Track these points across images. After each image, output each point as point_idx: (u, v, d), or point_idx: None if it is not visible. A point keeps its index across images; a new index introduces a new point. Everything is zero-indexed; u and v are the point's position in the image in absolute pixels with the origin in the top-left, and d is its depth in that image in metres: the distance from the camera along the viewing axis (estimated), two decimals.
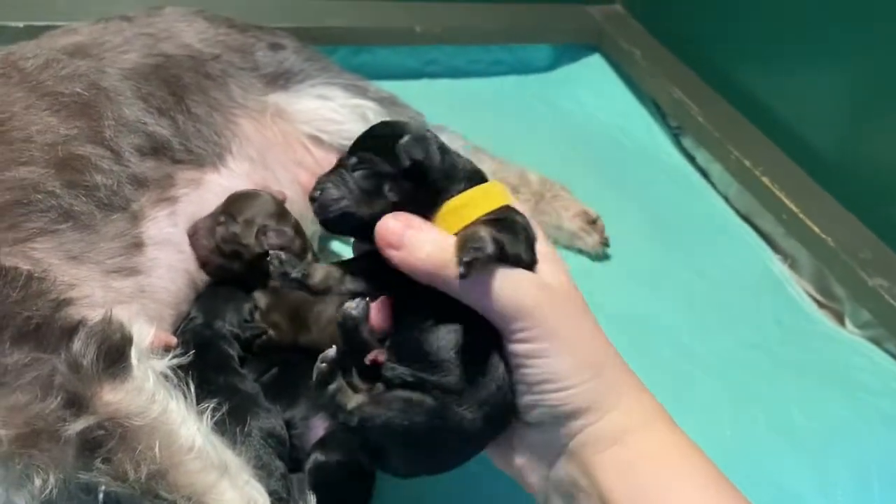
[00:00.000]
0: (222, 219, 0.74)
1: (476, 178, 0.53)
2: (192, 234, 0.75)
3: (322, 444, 0.66)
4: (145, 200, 0.72)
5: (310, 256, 0.77)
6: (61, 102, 0.71)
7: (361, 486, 0.67)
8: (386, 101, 0.95)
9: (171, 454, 0.54)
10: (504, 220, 0.50)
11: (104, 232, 0.68)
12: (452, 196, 0.51)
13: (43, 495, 0.51)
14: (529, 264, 0.51)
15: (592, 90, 1.40)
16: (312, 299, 0.72)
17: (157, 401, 0.55)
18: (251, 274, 0.75)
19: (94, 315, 0.59)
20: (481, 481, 0.65)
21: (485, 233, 0.48)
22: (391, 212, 0.50)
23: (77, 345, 0.54)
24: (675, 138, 1.30)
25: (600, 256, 1.02)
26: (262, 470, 0.63)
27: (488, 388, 0.50)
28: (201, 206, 0.76)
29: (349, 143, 0.87)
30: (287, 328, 0.74)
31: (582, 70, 1.45)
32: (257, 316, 0.74)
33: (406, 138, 0.50)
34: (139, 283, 0.69)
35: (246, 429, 0.64)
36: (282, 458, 0.65)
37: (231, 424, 0.63)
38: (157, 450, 0.53)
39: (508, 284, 0.48)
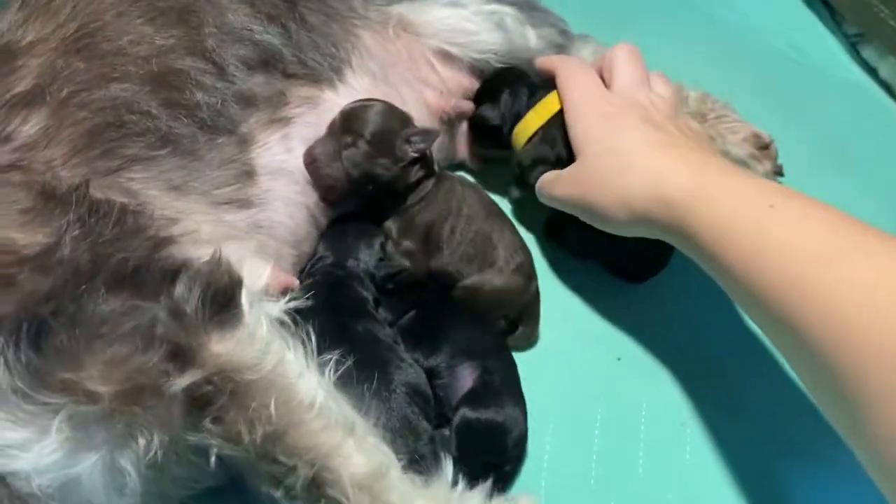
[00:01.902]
0: (348, 139, 0.66)
1: None
2: (311, 163, 0.66)
3: (471, 397, 0.60)
4: (254, 122, 0.64)
5: (437, 168, 0.72)
6: (157, 8, 0.64)
7: (513, 448, 0.61)
8: (525, 6, 0.83)
9: (289, 412, 0.48)
10: None
11: (209, 158, 0.61)
12: None
13: (148, 457, 0.47)
14: None
15: None
16: (441, 210, 0.69)
17: (271, 351, 0.50)
18: (384, 198, 0.69)
19: (200, 254, 0.53)
20: None
21: None
22: None
23: (180, 289, 0.49)
24: (853, 48, 1.12)
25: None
26: (408, 431, 0.57)
27: None
28: (318, 130, 0.68)
29: (482, 57, 0.78)
30: (420, 254, 0.68)
31: None
32: (390, 247, 0.68)
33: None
34: (254, 216, 0.62)
35: (390, 384, 0.59)
36: (427, 418, 0.59)
37: (371, 378, 0.57)
38: (272, 408, 0.47)
39: None
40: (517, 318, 0.70)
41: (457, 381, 0.61)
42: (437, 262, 0.69)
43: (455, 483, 0.53)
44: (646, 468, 0.64)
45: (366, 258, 0.67)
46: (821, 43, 1.13)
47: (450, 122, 0.81)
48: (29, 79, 0.58)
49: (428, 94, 0.78)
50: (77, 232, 0.50)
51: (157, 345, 0.47)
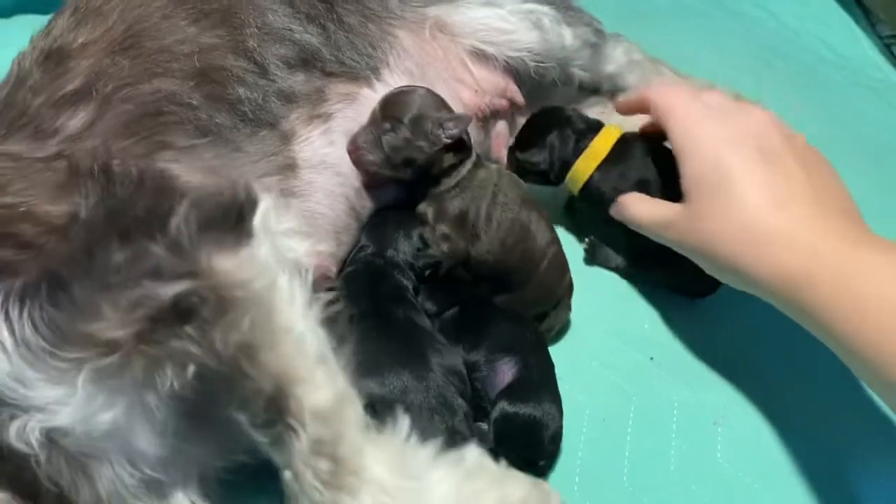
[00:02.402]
0: (387, 125, 0.68)
1: None
2: (354, 151, 0.69)
3: (510, 392, 0.62)
4: (296, 118, 0.66)
5: (473, 155, 0.73)
6: (201, 10, 0.66)
7: (549, 444, 0.62)
8: (561, 5, 0.84)
9: (265, 331, 0.49)
10: None
11: (251, 150, 0.63)
12: None
13: (169, 388, 0.48)
14: None
15: None
16: (476, 197, 0.70)
17: (265, 274, 0.51)
18: (422, 181, 0.71)
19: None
20: None
21: None
22: None
23: (175, 221, 0.50)
24: (887, 49, 1.11)
25: None
26: (445, 408, 0.59)
27: None
28: (359, 123, 0.70)
29: (517, 55, 0.79)
30: (457, 237, 0.69)
31: None
32: (427, 233, 0.70)
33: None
34: (295, 207, 0.64)
35: (427, 364, 0.61)
36: (463, 396, 0.61)
37: (410, 359, 0.60)
38: (248, 322, 0.48)
39: None
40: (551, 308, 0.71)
41: (496, 375, 0.63)
42: (476, 251, 0.70)
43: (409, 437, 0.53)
44: (678, 466, 0.65)
45: (405, 248, 0.69)
46: (855, 43, 1.13)
47: (485, 120, 0.82)
48: (79, 78, 0.60)
49: (463, 92, 0.79)
50: (96, 197, 0.52)
51: (163, 279, 0.48)
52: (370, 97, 0.71)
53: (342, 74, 0.71)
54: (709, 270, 0.65)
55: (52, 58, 0.62)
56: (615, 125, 0.78)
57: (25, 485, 0.49)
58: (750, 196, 0.60)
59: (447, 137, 0.68)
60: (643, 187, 0.74)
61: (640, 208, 0.70)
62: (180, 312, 0.47)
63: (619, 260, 0.78)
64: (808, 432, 0.67)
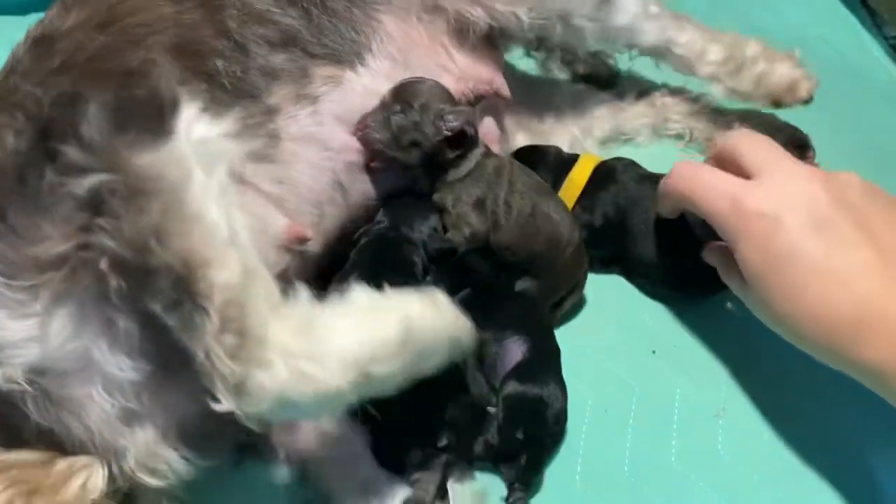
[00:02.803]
0: (397, 107, 0.70)
1: None
2: (363, 129, 0.71)
3: (518, 371, 0.64)
4: (282, 95, 0.67)
5: (482, 145, 0.73)
6: None
7: (553, 424, 0.64)
8: None
9: (174, 218, 0.49)
10: None
11: (228, 113, 0.62)
12: None
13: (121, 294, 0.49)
14: None
15: None
16: (491, 185, 0.71)
17: (180, 166, 0.51)
18: (427, 168, 0.72)
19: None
20: None
21: None
22: None
23: (84, 123, 0.50)
24: (893, 50, 1.12)
25: None
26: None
27: None
28: (345, 107, 0.71)
29: (509, 10, 0.78)
30: (476, 221, 0.70)
31: None
32: (446, 219, 0.71)
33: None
34: (274, 171, 0.66)
35: None
36: None
37: None
38: (157, 209, 0.48)
39: None
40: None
41: (506, 354, 0.64)
42: (497, 239, 0.71)
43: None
44: (679, 457, 0.66)
45: (420, 227, 0.70)
46: (860, 45, 1.13)
47: (470, 107, 0.80)
48: (59, 56, 0.62)
49: (445, 77, 0.78)
50: (19, 126, 0.53)
51: (78, 176, 0.49)
52: (354, 81, 0.72)
53: (325, 57, 0.71)
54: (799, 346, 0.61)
55: (40, 44, 0.64)
56: (590, 155, 0.81)
57: (12, 429, 0.51)
58: (811, 281, 0.57)
59: (447, 129, 0.70)
60: (623, 213, 0.76)
61: (724, 273, 0.67)
62: (93, 206, 0.48)
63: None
64: (807, 426, 0.68)
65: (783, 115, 0.93)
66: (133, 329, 0.51)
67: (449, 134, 0.70)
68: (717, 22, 1.15)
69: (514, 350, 0.64)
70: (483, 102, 0.82)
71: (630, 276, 0.79)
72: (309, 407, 0.50)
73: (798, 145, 0.88)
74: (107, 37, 0.63)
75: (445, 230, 0.71)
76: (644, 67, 0.98)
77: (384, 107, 0.71)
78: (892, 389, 0.56)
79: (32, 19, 1.04)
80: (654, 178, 0.75)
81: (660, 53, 0.90)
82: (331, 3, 0.73)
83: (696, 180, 0.64)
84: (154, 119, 0.52)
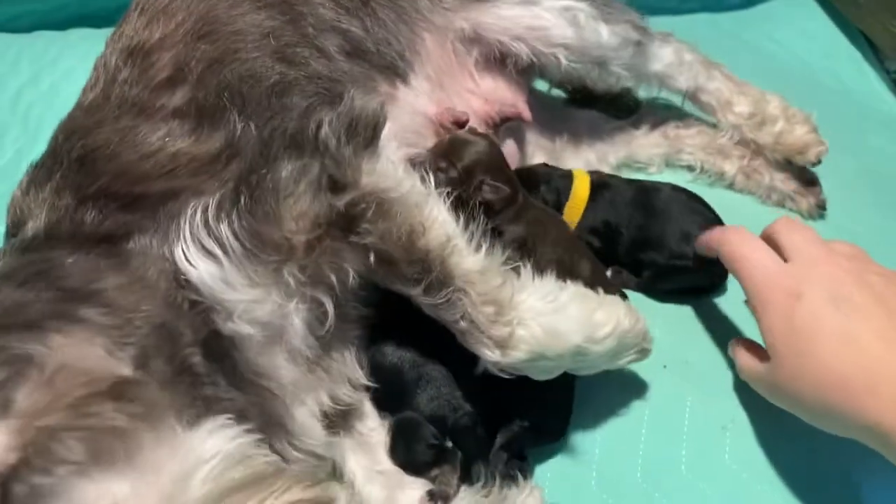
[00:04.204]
0: (443, 164, 0.74)
1: None
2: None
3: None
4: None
5: (521, 198, 0.77)
6: (264, 1, 0.73)
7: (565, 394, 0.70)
8: (599, 2, 0.86)
9: (419, 220, 0.60)
10: None
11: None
12: None
13: (339, 286, 0.59)
14: None
15: (793, 28, 1.27)
16: (531, 232, 0.76)
17: (405, 178, 0.62)
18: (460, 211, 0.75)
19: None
20: None
21: None
22: None
23: (325, 133, 0.59)
24: (894, 83, 1.16)
25: (815, 218, 0.95)
26: None
27: None
28: (396, 123, 0.74)
29: (550, 52, 0.84)
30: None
31: (780, 6, 1.32)
32: None
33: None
34: None
35: None
36: None
37: None
38: (411, 214, 0.60)
39: None
40: None
41: None
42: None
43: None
44: (688, 467, 0.70)
45: None
46: (863, 77, 1.18)
47: (495, 127, 0.86)
48: (168, 67, 0.67)
49: (474, 101, 0.84)
50: (242, 122, 0.64)
51: (324, 187, 0.58)
52: (404, 99, 0.77)
53: (383, 68, 0.77)
54: (808, 420, 0.65)
55: (135, 54, 0.69)
56: (580, 170, 0.87)
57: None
58: (827, 345, 0.61)
59: (481, 200, 0.73)
60: (622, 217, 0.83)
61: (742, 360, 0.71)
62: (352, 216, 0.58)
63: (636, 281, 0.84)
64: (811, 438, 0.70)
65: None
66: (331, 313, 0.60)
67: (482, 201, 0.73)
68: (723, 50, 1.20)
69: None
70: (507, 124, 0.87)
71: (638, 274, 0.84)
72: (550, 358, 0.62)
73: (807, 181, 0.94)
74: (208, 45, 0.69)
75: None
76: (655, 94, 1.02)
77: (435, 153, 0.75)
78: None
79: (74, 35, 1.12)
80: (640, 183, 0.85)
81: (688, 97, 0.96)
82: (381, 14, 0.78)
83: (741, 248, 0.70)
84: (372, 134, 0.61)
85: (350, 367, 0.65)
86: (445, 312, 0.61)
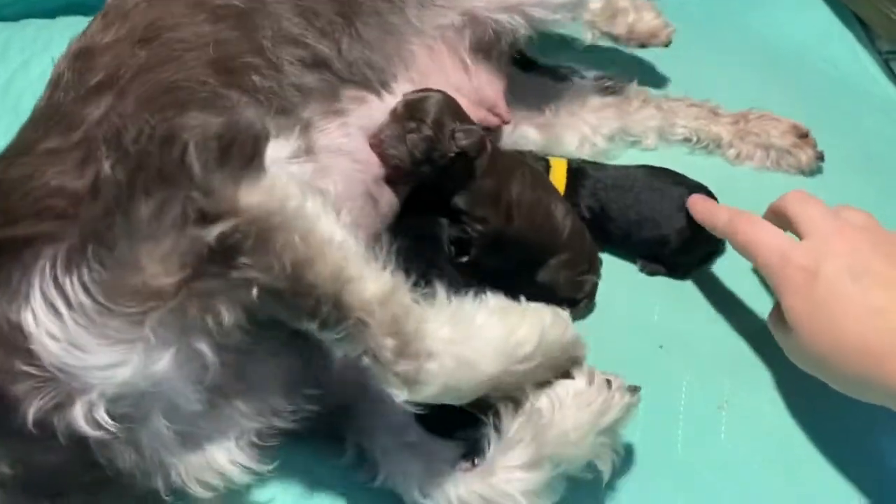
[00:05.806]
0: (412, 125, 0.73)
1: None
2: (378, 144, 0.73)
3: None
4: (313, 110, 0.70)
5: (489, 144, 0.78)
6: (218, 14, 0.70)
7: None
8: None
9: (312, 244, 0.53)
10: None
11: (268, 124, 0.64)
12: None
13: (220, 328, 0.52)
14: None
15: (785, 9, 1.25)
16: (506, 181, 0.76)
17: (292, 198, 0.54)
18: (441, 178, 0.75)
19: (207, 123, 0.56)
20: None
21: None
22: None
23: (192, 160, 0.51)
24: (886, 65, 1.16)
25: (814, 172, 0.96)
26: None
27: None
28: (371, 122, 0.74)
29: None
30: (493, 217, 0.76)
31: None
32: (465, 220, 0.76)
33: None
34: (313, 180, 0.67)
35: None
36: None
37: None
38: (297, 240, 0.52)
39: None
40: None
41: None
42: (510, 231, 0.76)
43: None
44: (684, 446, 0.71)
45: (441, 233, 0.76)
46: (855, 59, 1.17)
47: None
48: (102, 72, 0.65)
49: (461, 102, 0.82)
50: (111, 160, 0.54)
51: (191, 220, 0.50)
52: (379, 102, 0.75)
53: (352, 81, 0.74)
54: (839, 389, 0.65)
55: (80, 57, 0.67)
56: (558, 158, 0.88)
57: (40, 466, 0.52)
58: (850, 317, 0.61)
59: (457, 147, 0.73)
60: (603, 202, 0.84)
61: (774, 330, 0.71)
62: (226, 249, 0.51)
63: (664, 270, 0.84)
64: (806, 416, 0.73)
65: None
66: (214, 368, 0.54)
67: (460, 151, 0.73)
68: (715, 34, 1.20)
69: None
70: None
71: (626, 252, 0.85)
72: (465, 390, 0.56)
73: (800, 135, 0.97)
74: (147, 51, 0.65)
75: (466, 231, 0.75)
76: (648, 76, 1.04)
77: (397, 119, 0.74)
78: None
79: (62, 23, 1.11)
80: (615, 166, 0.88)
81: None
82: (366, 34, 0.75)
83: (753, 235, 0.70)
84: (250, 154, 0.54)
85: (274, 397, 0.60)
86: (347, 348, 0.55)
